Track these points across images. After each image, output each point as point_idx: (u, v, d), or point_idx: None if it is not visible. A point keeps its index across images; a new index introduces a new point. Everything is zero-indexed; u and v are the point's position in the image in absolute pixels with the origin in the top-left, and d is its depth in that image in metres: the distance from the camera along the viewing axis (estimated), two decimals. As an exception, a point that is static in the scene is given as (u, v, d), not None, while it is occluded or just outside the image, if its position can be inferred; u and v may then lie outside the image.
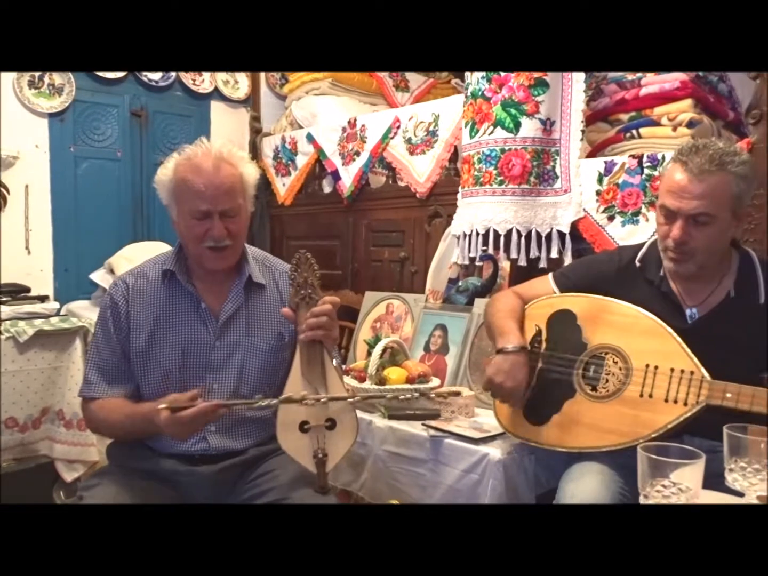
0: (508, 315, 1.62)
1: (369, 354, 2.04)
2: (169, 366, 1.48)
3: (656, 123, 1.98)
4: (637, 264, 1.56)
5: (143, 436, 1.47)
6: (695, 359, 1.36)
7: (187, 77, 3.36)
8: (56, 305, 2.76)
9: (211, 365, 1.50)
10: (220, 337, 1.51)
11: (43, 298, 2.77)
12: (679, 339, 1.40)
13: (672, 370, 1.38)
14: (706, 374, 1.34)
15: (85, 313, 2.74)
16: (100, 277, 2.92)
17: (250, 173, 1.53)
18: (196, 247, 1.49)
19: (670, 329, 1.42)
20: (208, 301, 1.53)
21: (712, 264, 1.46)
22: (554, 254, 2.01)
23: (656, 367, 1.40)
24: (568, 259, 1.99)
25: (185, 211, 1.47)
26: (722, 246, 1.45)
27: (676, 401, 1.36)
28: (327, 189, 3.16)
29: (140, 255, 2.53)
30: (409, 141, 2.67)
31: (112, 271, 2.84)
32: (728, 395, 1.29)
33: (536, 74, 1.97)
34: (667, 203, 1.40)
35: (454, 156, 2.49)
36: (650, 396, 1.39)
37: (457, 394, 1.74)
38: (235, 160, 1.50)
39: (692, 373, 1.36)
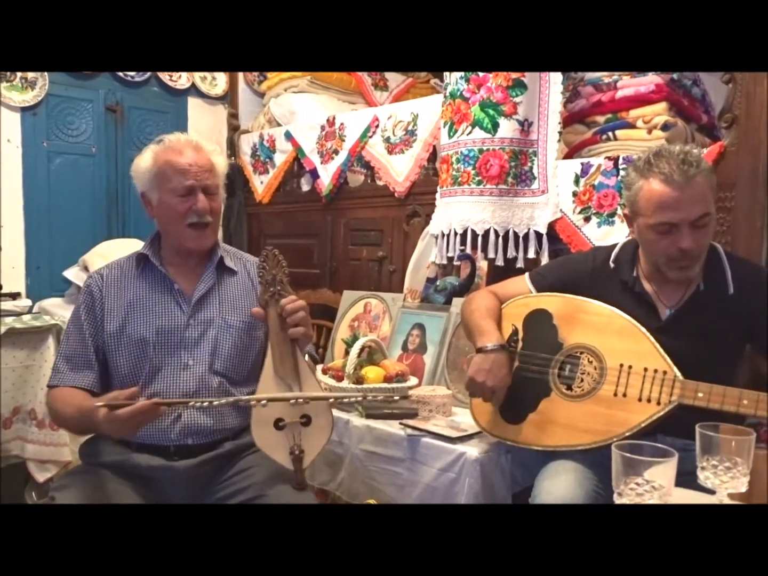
0: (486, 314, 1.63)
1: (347, 353, 2.04)
2: (144, 344, 1.50)
3: (632, 125, 2.00)
4: (611, 265, 1.58)
5: (90, 432, 1.47)
6: (668, 359, 1.39)
7: (163, 73, 3.31)
8: (28, 303, 2.71)
9: (185, 342, 1.52)
10: (194, 315, 1.55)
11: (14, 296, 2.72)
12: (652, 339, 1.42)
13: (645, 369, 1.40)
14: (679, 374, 1.37)
15: (58, 311, 2.70)
16: (74, 274, 2.87)
17: (222, 162, 1.63)
18: (178, 227, 1.54)
19: (643, 329, 1.44)
20: (181, 283, 1.57)
21: None
22: (531, 254, 2.02)
23: (630, 367, 1.42)
24: (545, 260, 2.01)
25: (168, 191, 1.53)
26: None
27: (649, 400, 1.38)
28: (305, 187, 3.14)
29: (115, 252, 2.49)
30: (387, 140, 2.67)
31: (86, 269, 2.80)
32: (700, 394, 1.32)
33: (514, 75, 1.98)
34: (666, 218, 1.38)
35: (433, 156, 2.50)
36: (624, 395, 1.41)
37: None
38: (208, 149, 1.59)
39: (665, 372, 1.38)
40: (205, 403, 1.35)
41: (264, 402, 1.36)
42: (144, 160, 1.56)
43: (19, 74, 2.86)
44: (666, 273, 1.46)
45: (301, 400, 1.37)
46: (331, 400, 1.43)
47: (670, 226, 1.39)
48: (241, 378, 1.55)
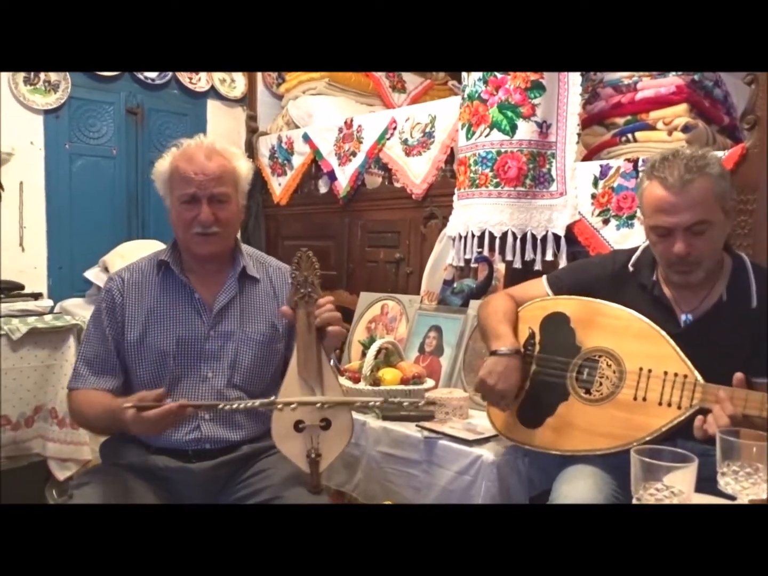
0: (502, 318, 1.62)
1: (364, 355, 2.05)
2: (164, 355, 1.50)
3: (652, 127, 1.98)
4: (630, 268, 1.56)
5: (115, 432, 1.47)
6: (688, 362, 1.37)
7: (183, 75, 3.34)
8: (50, 303, 2.74)
9: (205, 354, 1.52)
10: (215, 327, 1.53)
11: (36, 296, 2.75)
12: (672, 342, 1.40)
13: (665, 373, 1.39)
14: (700, 377, 1.35)
15: (79, 311, 2.73)
16: (94, 275, 2.90)
17: (243, 167, 1.58)
18: (185, 234, 1.52)
19: (663, 332, 1.42)
20: (202, 292, 1.55)
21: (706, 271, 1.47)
22: (549, 257, 2.01)
23: (650, 371, 1.41)
24: (563, 262, 2.00)
25: (176, 197, 1.52)
26: (721, 246, 1.45)
27: (669, 404, 1.37)
28: (323, 189, 3.15)
29: (135, 253, 2.52)
30: (405, 142, 2.67)
31: (106, 269, 2.83)
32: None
33: (533, 77, 1.97)
34: (660, 222, 1.39)
35: (451, 158, 2.49)
36: (644, 399, 1.40)
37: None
38: (227, 154, 1.55)
39: (686, 376, 1.36)
40: (234, 405, 1.36)
41: (288, 406, 1.36)
42: (162, 165, 1.55)
43: (42, 77, 2.90)
44: (670, 276, 1.46)
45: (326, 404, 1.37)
46: (320, 405, 1.38)
47: (665, 230, 1.39)
48: (259, 391, 1.53)
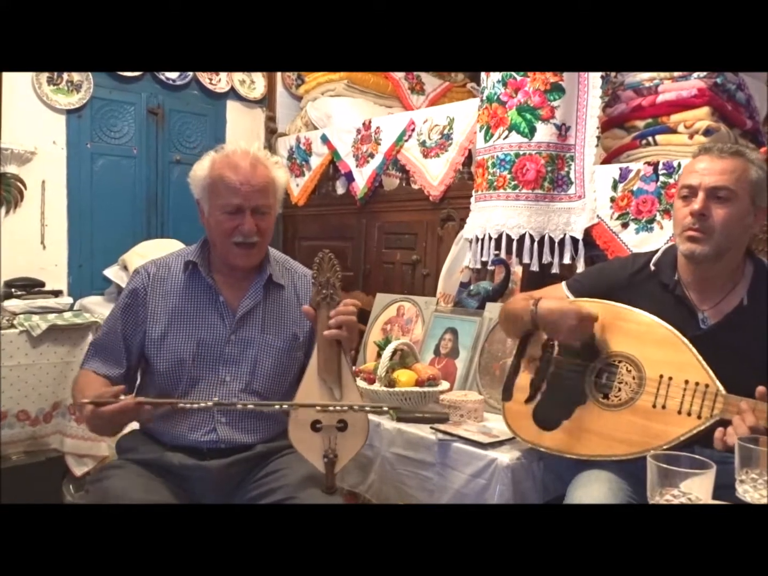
0: (519, 303, 1.62)
1: (379, 356, 2.04)
2: (184, 355, 1.51)
3: (672, 130, 1.97)
4: (652, 267, 1.55)
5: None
6: (710, 372, 1.35)
7: (203, 76, 3.37)
8: (70, 300, 2.78)
9: (224, 358, 1.53)
10: (236, 332, 1.54)
11: (56, 293, 2.79)
12: (694, 350, 1.38)
13: (687, 381, 1.37)
14: (721, 387, 1.33)
15: (98, 308, 2.76)
16: (113, 273, 2.94)
17: (281, 177, 1.60)
18: (224, 243, 1.52)
19: (684, 339, 1.40)
20: (227, 296, 1.56)
21: (726, 269, 1.45)
22: (567, 260, 2.00)
23: (670, 378, 1.39)
24: (580, 266, 1.98)
25: (218, 206, 1.51)
26: (739, 236, 1.43)
27: (689, 414, 1.35)
28: (340, 190, 3.16)
29: (154, 252, 2.54)
30: (423, 144, 2.67)
31: (125, 268, 2.86)
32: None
33: (552, 79, 1.97)
34: (687, 181, 1.43)
35: (468, 160, 2.49)
36: (663, 407, 1.38)
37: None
38: (269, 163, 1.57)
39: (707, 386, 1.34)
40: (202, 404, 1.38)
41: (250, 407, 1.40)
42: (201, 168, 1.54)
43: (65, 78, 2.93)
44: (679, 246, 1.45)
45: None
46: (317, 408, 1.38)
47: (690, 189, 1.42)
48: (278, 397, 1.54)
